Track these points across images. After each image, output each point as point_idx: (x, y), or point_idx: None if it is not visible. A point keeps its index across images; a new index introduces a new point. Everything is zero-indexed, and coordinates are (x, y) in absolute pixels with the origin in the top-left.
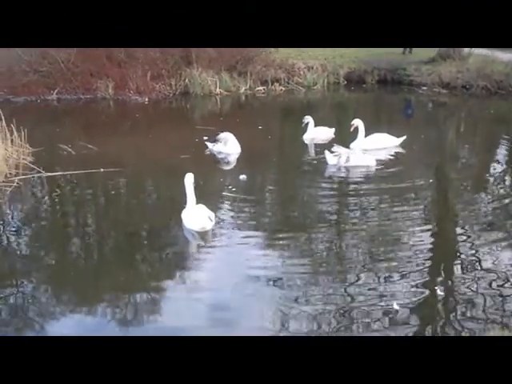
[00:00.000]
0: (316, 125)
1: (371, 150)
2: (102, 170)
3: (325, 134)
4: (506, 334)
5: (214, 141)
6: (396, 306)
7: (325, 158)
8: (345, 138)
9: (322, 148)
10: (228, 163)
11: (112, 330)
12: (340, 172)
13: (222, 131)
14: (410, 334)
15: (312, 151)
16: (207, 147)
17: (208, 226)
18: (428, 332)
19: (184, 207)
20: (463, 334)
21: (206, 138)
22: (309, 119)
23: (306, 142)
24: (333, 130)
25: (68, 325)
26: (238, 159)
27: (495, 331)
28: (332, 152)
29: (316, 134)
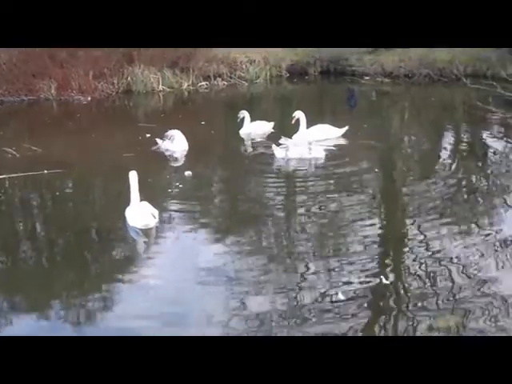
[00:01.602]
0: (258, 118)
1: (313, 141)
2: (45, 171)
3: (262, 128)
4: (498, 333)
5: (162, 138)
6: (341, 296)
7: (271, 151)
8: (288, 130)
9: (260, 143)
10: (175, 160)
11: (64, 330)
12: (288, 164)
13: (166, 128)
14: (357, 324)
15: (249, 146)
16: (156, 144)
17: (151, 223)
18: (378, 321)
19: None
20: (413, 323)
21: (148, 135)
22: (244, 114)
23: (242, 136)
24: (272, 124)
25: (19, 327)
26: (183, 156)
27: (446, 318)
28: (279, 145)
29: (253, 128)
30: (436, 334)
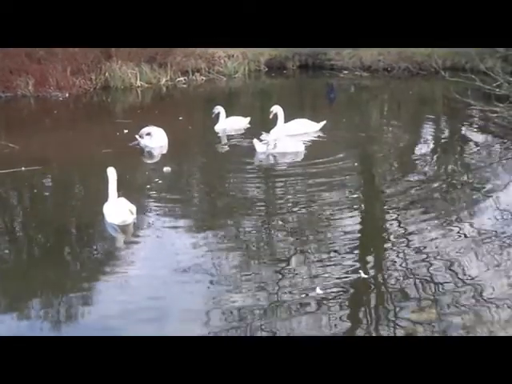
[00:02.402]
0: (237, 113)
1: (291, 136)
2: (23, 168)
3: (238, 123)
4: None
5: (141, 135)
6: (319, 291)
7: (252, 145)
8: (266, 125)
9: (237, 137)
10: (154, 156)
11: (43, 328)
12: (268, 159)
13: (144, 124)
14: (336, 319)
15: (225, 141)
16: (135, 140)
17: (129, 219)
18: (358, 317)
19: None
20: (393, 317)
21: (126, 131)
22: (219, 109)
23: (218, 132)
24: (248, 119)
25: (1, 324)
26: (162, 152)
27: (427, 311)
28: (261, 140)
29: (228, 124)
30: (417, 327)
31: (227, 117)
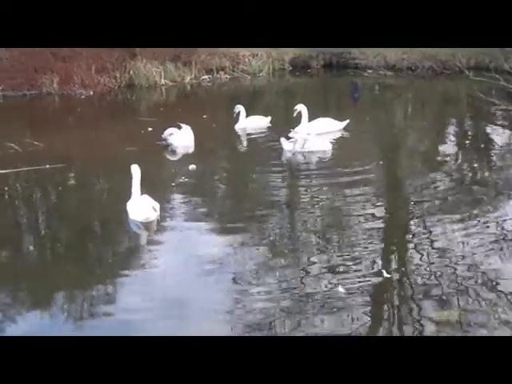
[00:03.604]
0: (261, 112)
1: (316, 134)
2: (47, 166)
3: (258, 123)
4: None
5: (165, 137)
6: (341, 289)
7: (275, 143)
8: (289, 124)
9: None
10: (179, 154)
11: (66, 327)
12: (295, 157)
13: (167, 124)
14: (359, 318)
15: (246, 140)
16: (161, 139)
17: (152, 216)
18: (380, 316)
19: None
20: (416, 316)
21: (150, 129)
22: (240, 108)
23: (238, 131)
24: (268, 118)
25: (24, 323)
26: (189, 150)
27: (450, 311)
28: (288, 138)
29: (248, 123)
30: (439, 327)
31: (250, 116)
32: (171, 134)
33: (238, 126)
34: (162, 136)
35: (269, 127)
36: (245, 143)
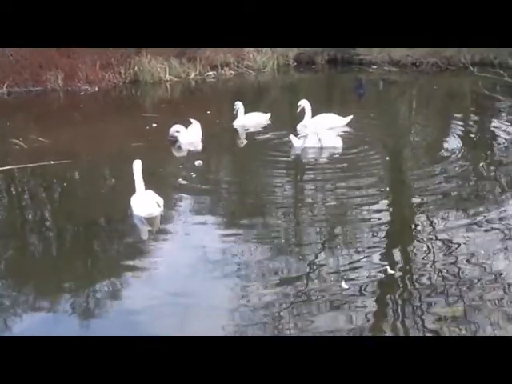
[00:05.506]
0: (264, 108)
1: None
2: (52, 162)
3: (256, 119)
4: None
5: (171, 135)
6: (344, 285)
7: (280, 139)
8: (289, 120)
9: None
10: (183, 150)
11: (71, 325)
12: (304, 153)
13: (172, 120)
14: (362, 314)
15: (243, 138)
16: (168, 135)
17: (155, 211)
18: (384, 312)
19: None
20: (420, 313)
21: (155, 125)
22: (239, 105)
23: (236, 128)
24: (268, 115)
25: (32, 319)
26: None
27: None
28: (296, 134)
29: (246, 120)
30: (444, 325)
31: (251, 112)
32: (177, 131)
33: (236, 123)
34: (169, 132)
35: (268, 124)
36: (245, 140)
